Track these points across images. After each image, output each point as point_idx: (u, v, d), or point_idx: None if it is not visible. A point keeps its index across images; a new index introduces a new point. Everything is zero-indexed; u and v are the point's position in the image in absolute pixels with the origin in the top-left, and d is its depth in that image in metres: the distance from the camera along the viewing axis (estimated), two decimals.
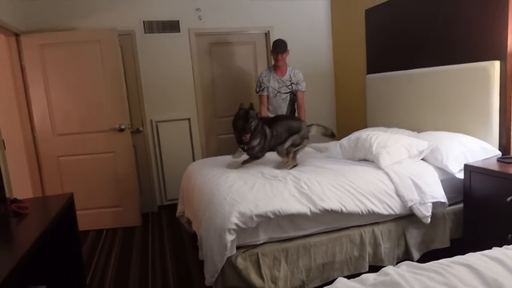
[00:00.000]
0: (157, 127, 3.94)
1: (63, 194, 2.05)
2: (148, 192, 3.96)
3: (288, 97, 3.56)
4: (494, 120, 2.48)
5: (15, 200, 1.76)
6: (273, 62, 3.56)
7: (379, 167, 2.42)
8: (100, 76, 3.35)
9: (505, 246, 1.23)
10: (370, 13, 3.69)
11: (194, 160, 4.02)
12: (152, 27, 3.84)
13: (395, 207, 2.23)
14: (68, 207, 2.01)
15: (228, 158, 3.10)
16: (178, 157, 4.01)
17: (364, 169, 2.42)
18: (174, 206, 3.34)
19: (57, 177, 3.41)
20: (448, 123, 2.81)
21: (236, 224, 1.91)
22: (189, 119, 4.02)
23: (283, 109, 3.57)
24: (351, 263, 2.17)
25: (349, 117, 4.38)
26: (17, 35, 3.26)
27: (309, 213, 2.03)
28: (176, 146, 4.01)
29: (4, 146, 2.84)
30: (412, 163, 2.46)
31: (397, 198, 2.24)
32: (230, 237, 1.89)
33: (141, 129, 3.85)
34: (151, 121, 3.92)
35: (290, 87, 3.53)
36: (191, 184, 2.70)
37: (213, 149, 4.24)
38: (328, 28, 4.50)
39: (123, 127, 3.41)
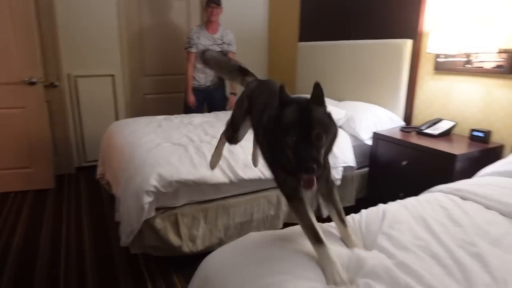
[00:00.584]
0: (75, 82, 3.64)
1: None
2: (64, 153, 3.70)
3: None
4: (401, 94, 2.73)
5: None
6: (206, 20, 3.44)
7: None
8: (6, 19, 2.94)
9: (389, 203, 1.42)
10: None
11: (117, 120, 3.82)
12: None
13: None
14: None
15: (157, 119, 3.01)
16: (99, 116, 3.77)
17: None
18: (94, 167, 3.18)
19: None
20: (366, 94, 3.02)
21: (155, 187, 1.90)
22: (113, 75, 3.76)
23: None
24: (267, 221, 2.31)
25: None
26: None
27: (228, 182, 2.09)
28: (97, 104, 3.77)
29: None
30: None
31: None
32: (148, 199, 1.88)
33: (56, 83, 3.52)
34: (68, 75, 3.60)
35: (221, 46, 3.47)
36: (112, 144, 2.59)
37: (139, 110, 4.05)
38: None
39: (34, 80, 3.08)
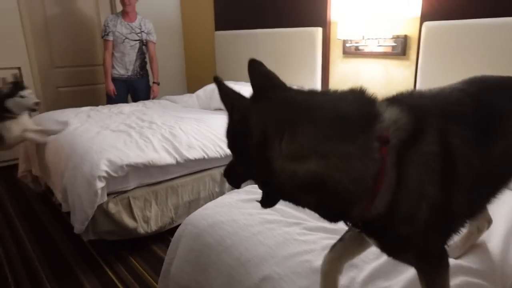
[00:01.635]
0: None
1: None
2: None
3: (137, 46, 3.46)
4: (317, 76, 3.11)
5: None
6: (118, 9, 3.37)
7: None
8: None
9: None
10: None
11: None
12: None
13: None
14: None
15: (84, 110, 2.91)
16: None
17: (222, 117, 2.69)
18: (6, 168, 2.92)
19: None
20: (285, 79, 3.33)
21: (106, 172, 1.92)
22: (19, 68, 3.44)
23: (132, 57, 3.45)
24: (213, 198, 2.46)
25: (199, 72, 4.57)
26: None
27: (175, 163, 2.19)
28: None
29: None
30: None
31: None
32: (100, 184, 1.90)
33: None
34: None
35: (140, 35, 3.44)
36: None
37: (52, 103, 3.78)
38: None
39: None
